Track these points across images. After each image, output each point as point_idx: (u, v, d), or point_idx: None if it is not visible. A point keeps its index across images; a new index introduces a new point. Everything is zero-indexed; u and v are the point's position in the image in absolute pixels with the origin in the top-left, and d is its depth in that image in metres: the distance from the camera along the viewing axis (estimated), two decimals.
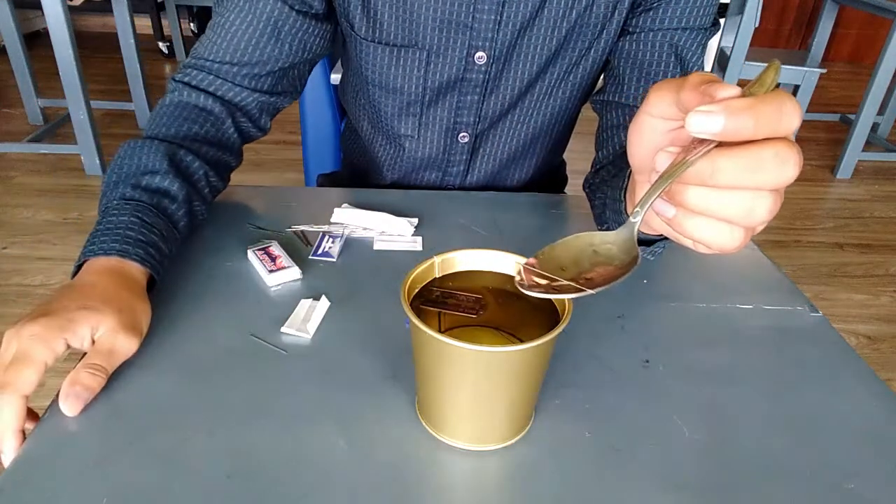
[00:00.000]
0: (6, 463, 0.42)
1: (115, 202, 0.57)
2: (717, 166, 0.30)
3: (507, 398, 0.42)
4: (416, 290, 0.44)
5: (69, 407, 0.44)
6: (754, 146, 0.30)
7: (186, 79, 0.69)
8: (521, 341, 0.38)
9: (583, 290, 0.35)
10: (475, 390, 0.41)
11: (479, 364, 0.39)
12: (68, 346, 0.46)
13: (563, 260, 0.37)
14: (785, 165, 0.30)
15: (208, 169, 0.65)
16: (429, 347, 0.40)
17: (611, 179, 0.60)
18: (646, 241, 0.57)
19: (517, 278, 0.38)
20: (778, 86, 0.32)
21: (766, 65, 0.33)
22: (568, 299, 0.40)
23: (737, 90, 0.30)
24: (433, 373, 0.41)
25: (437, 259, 0.45)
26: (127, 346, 0.48)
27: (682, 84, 0.32)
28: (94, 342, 0.47)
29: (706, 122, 0.29)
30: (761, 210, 0.31)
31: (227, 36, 0.68)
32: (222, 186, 0.69)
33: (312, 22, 0.70)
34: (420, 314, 0.40)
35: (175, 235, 0.59)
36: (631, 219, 0.35)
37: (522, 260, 0.42)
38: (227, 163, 0.70)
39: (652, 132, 0.36)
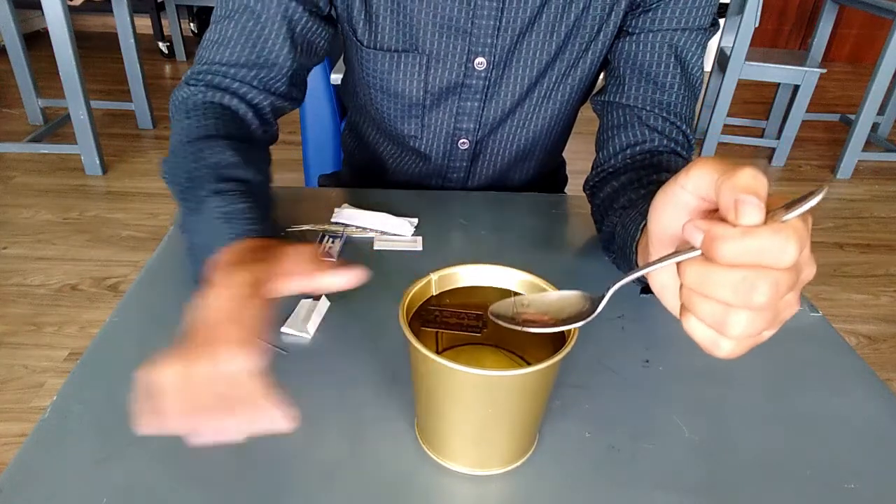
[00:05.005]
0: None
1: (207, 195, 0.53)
2: (685, 268, 0.31)
3: (510, 422, 0.40)
4: (415, 309, 0.42)
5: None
6: (729, 266, 0.29)
7: (203, 78, 0.66)
8: (524, 359, 0.37)
9: (536, 327, 0.36)
10: (477, 414, 0.39)
11: (482, 388, 0.37)
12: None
13: (539, 303, 0.39)
14: (753, 292, 0.29)
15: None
16: (428, 370, 0.38)
17: (622, 210, 0.59)
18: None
19: (490, 309, 0.39)
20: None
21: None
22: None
23: (760, 217, 0.29)
24: (433, 396, 0.40)
25: (433, 276, 0.43)
26: None
27: (729, 173, 0.30)
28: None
29: (692, 232, 0.31)
30: (738, 326, 0.30)
31: (242, 38, 0.65)
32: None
33: (321, 23, 0.69)
34: (419, 333, 0.39)
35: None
36: (606, 294, 0.36)
37: (519, 275, 0.43)
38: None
39: (677, 206, 0.35)
